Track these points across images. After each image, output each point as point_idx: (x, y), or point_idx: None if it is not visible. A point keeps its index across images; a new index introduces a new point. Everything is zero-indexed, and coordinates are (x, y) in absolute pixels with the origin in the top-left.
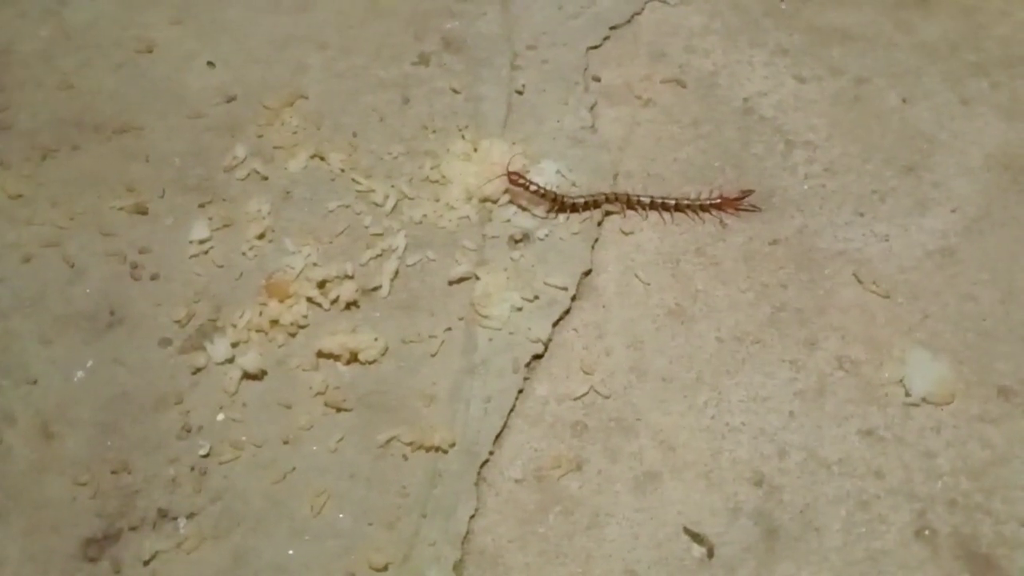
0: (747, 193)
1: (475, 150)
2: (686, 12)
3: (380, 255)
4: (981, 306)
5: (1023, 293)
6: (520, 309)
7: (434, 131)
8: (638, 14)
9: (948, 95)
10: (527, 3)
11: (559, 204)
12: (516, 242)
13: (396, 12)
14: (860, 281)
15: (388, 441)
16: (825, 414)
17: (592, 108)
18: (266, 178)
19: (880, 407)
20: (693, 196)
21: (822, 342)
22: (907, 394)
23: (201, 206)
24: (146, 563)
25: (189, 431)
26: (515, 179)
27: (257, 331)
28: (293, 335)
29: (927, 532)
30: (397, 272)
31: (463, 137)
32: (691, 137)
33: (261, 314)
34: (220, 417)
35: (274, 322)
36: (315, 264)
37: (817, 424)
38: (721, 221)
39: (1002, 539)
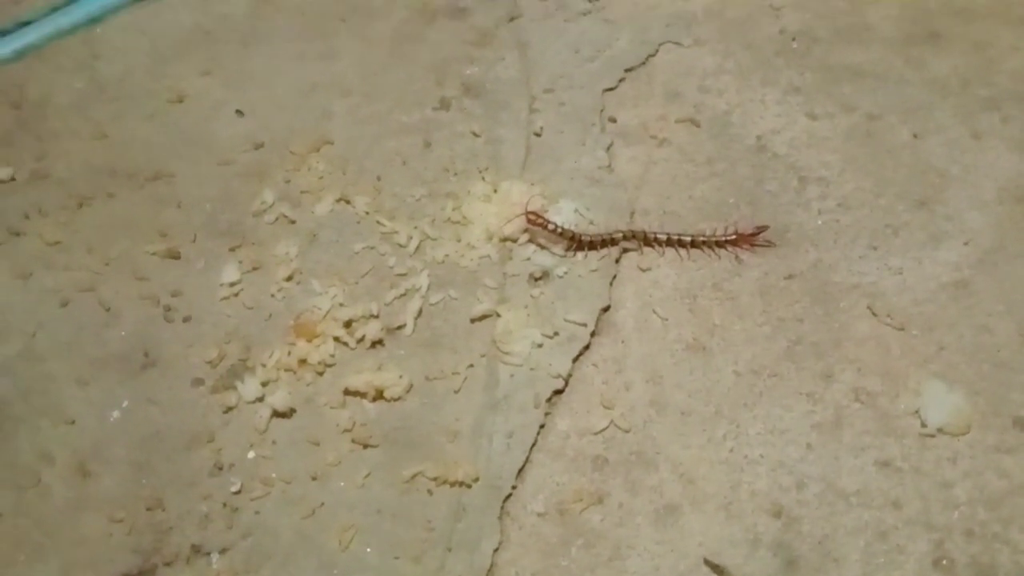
0: (762, 229)
1: (495, 191)
2: (699, 53)
3: (404, 294)
4: (996, 337)
5: None
6: (541, 345)
7: (455, 173)
8: (652, 56)
9: (960, 129)
10: (544, 47)
11: (577, 242)
12: (536, 280)
13: (417, 59)
14: (875, 314)
15: (413, 476)
16: (842, 445)
17: (609, 148)
18: (294, 222)
19: (897, 438)
20: (709, 233)
21: (838, 374)
22: (923, 425)
23: (231, 250)
24: None
25: (221, 468)
26: (534, 219)
27: (286, 370)
28: (321, 374)
29: (945, 562)
30: (421, 311)
31: (483, 179)
32: (706, 175)
33: (290, 354)
34: (251, 455)
35: (302, 361)
36: (341, 304)
37: (835, 455)
38: (737, 257)
39: (1020, 568)
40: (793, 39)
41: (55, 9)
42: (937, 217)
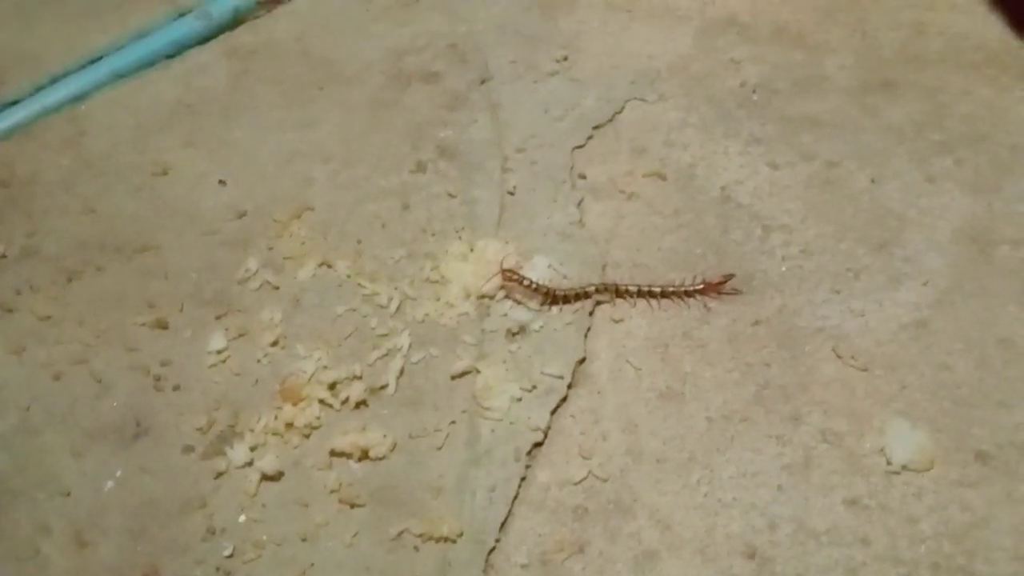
0: (728, 277)
1: (471, 250)
2: (664, 108)
3: (386, 354)
4: (956, 374)
5: (995, 360)
6: (520, 399)
7: (433, 234)
8: (619, 113)
9: (915, 174)
10: (515, 108)
11: (552, 297)
12: (513, 335)
13: (393, 124)
14: (839, 356)
15: (400, 534)
16: (812, 486)
17: (579, 204)
18: (277, 287)
19: (863, 476)
20: (678, 283)
21: (806, 416)
22: (888, 463)
23: (218, 318)
24: None
25: (213, 533)
26: (509, 276)
27: (273, 434)
28: (307, 436)
29: None
30: (402, 370)
31: (460, 238)
32: (673, 227)
33: (276, 418)
34: (242, 518)
35: (289, 425)
36: (325, 367)
37: (804, 496)
38: (705, 305)
39: None
40: (753, 91)
41: (40, 89)
42: (896, 259)
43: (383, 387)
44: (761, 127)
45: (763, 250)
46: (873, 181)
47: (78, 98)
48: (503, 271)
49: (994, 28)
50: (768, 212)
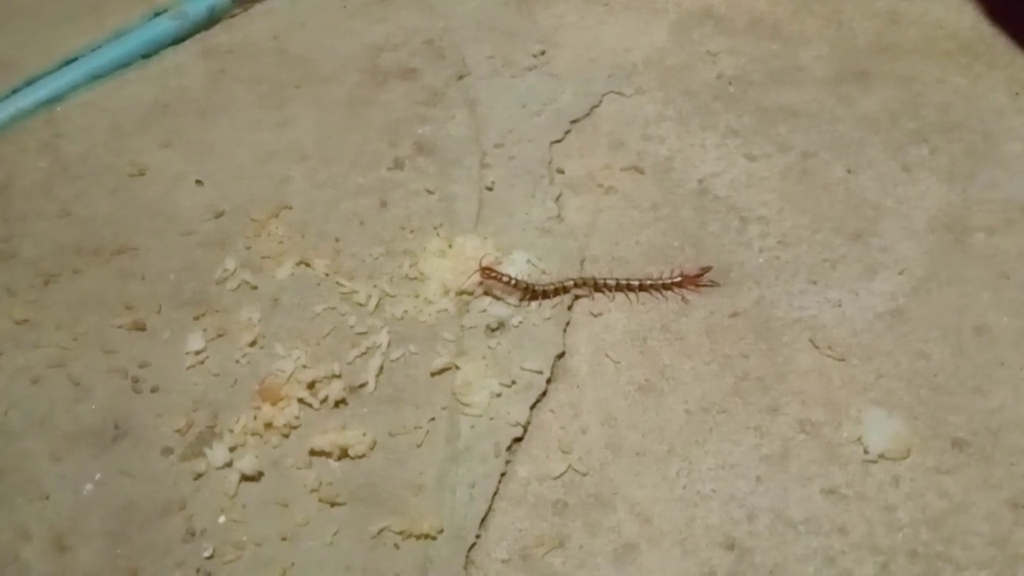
0: (706, 270)
1: (450, 246)
2: (641, 101)
3: (365, 352)
4: (932, 363)
5: (971, 348)
6: (499, 395)
7: (411, 231)
8: (596, 107)
9: (890, 163)
10: (492, 104)
11: (531, 292)
12: (492, 331)
13: (371, 122)
14: (816, 346)
15: (380, 532)
16: (790, 476)
17: (558, 199)
18: (256, 287)
19: (841, 466)
20: (656, 276)
21: (784, 407)
22: (865, 452)
23: (196, 318)
24: None
25: (193, 535)
26: (488, 273)
27: (253, 435)
28: (286, 436)
29: None
30: (382, 368)
31: (438, 235)
32: (651, 220)
33: (256, 418)
34: (221, 520)
35: (268, 425)
36: (304, 366)
37: (783, 487)
38: (683, 298)
39: None
40: (730, 83)
41: (15, 91)
42: (872, 249)
43: (362, 385)
44: (738, 119)
45: (740, 242)
46: (849, 171)
47: (54, 100)
48: (482, 268)
49: (967, 16)
50: (745, 204)
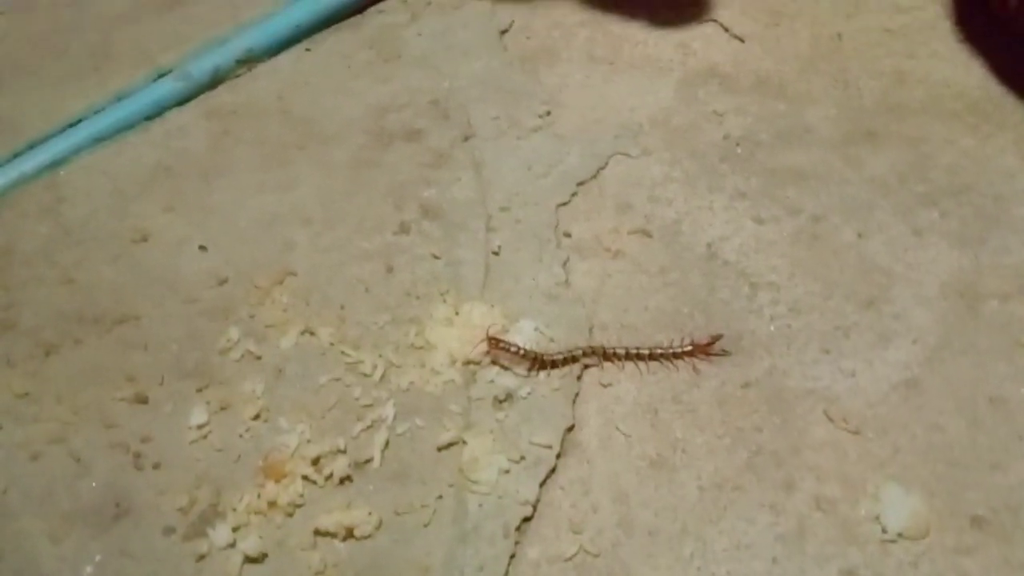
0: (716, 338)
1: (456, 314)
2: (648, 163)
3: (371, 426)
4: (948, 436)
5: (986, 419)
6: (508, 471)
7: (417, 297)
8: (603, 168)
9: (901, 227)
10: (498, 166)
11: (539, 362)
12: (500, 402)
13: (376, 184)
14: (830, 419)
15: None
16: (807, 557)
17: (565, 264)
18: (259, 357)
19: (859, 546)
20: (666, 345)
21: (799, 483)
22: (884, 531)
23: (199, 390)
24: None
25: None
26: (495, 343)
27: (256, 513)
28: (291, 515)
29: None
30: (388, 442)
31: (445, 301)
32: (659, 285)
33: (259, 496)
34: None
35: (272, 503)
36: (309, 441)
37: (800, 568)
38: (694, 367)
39: None
40: (737, 144)
41: (17, 155)
42: (885, 316)
43: (368, 461)
44: (745, 181)
45: (751, 309)
46: (859, 235)
47: (56, 163)
48: (489, 339)
49: (974, 75)
50: (755, 269)
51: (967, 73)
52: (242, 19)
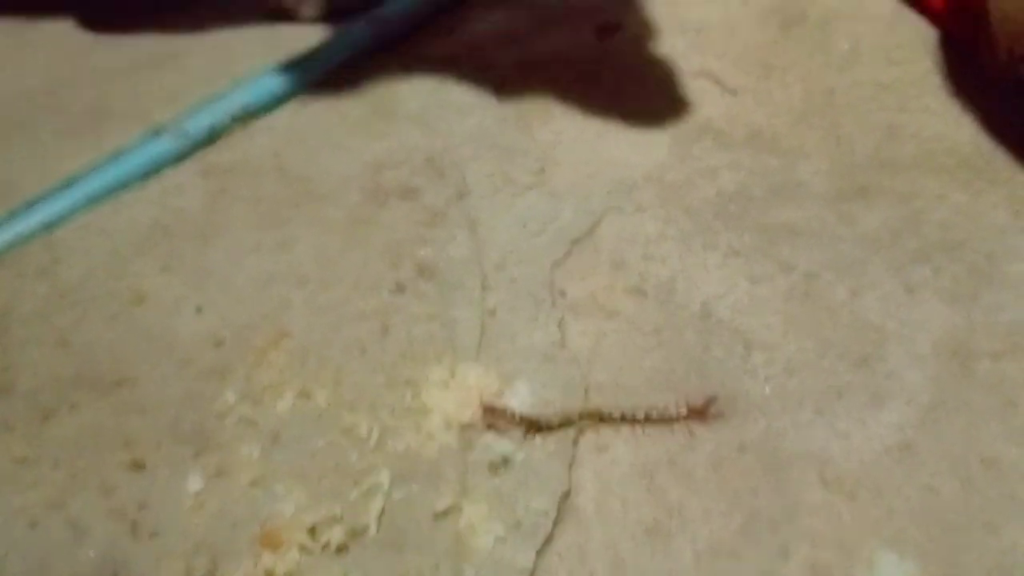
0: (711, 401)
1: (452, 376)
2: (642, 219)
3: (367, 492)
4: (942, 498)
5: (980, 480)
6: (504, 539)
7: (413, 359)
8: (597, 225)
9: (893, 284)
10: (493, 224)
11: (535, 427)
12: (496, 468)
13: (372, 242)
14: (825, 482)
15: None
16: None
17: (560, 323)
18: (255, 422)
19: None
20: (661, 407)
21: (794, 549)
22: None
23: (195, 455)
24: None
25: None
26: (491, 409)
27: None
28: None
29: None
30: (384, 509)
31: (440, 363)
32: (654, 345)
33: (256, 565)
34: None
35: (269, 573)
36: (305, 508)
37: None
38: (690, 430)
39: None
40: (730, 200)
41: (13, 214)
42: (878, 376)
43: (364, 529)
44: (739, 238)
45: (745, 369)
46: (852, 292)
47: (52, 224)
48: (484, 406)
49: (965, 130)
50: (749, 327)
51: (958, 128)
52: (238, 73)
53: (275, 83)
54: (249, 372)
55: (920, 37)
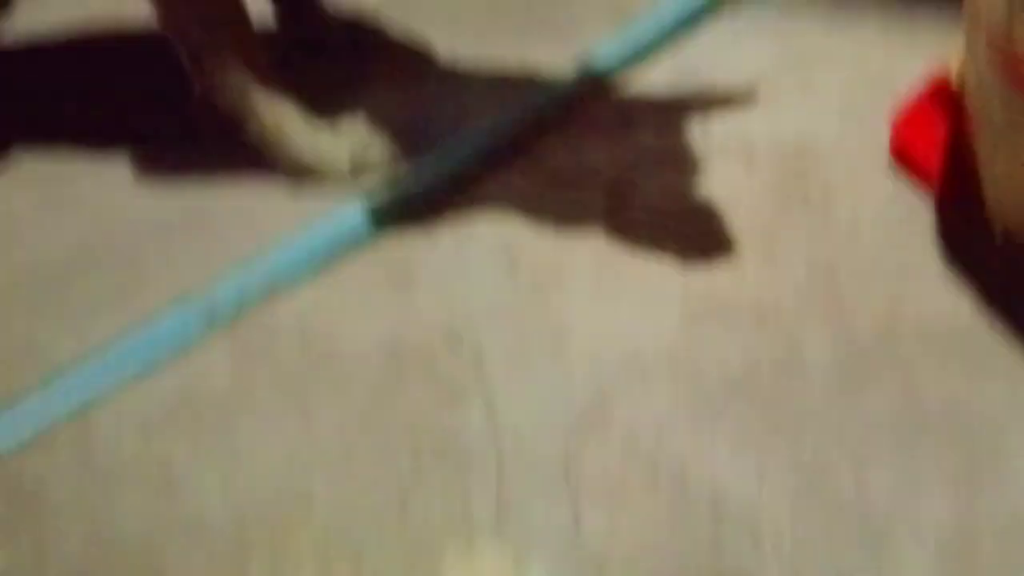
0: None
1: (468, 557)
2: (652, 400)
3: None
4: None
5: None
6: None
7: (430, 539)
8: (608, 403)
9: (897, 469)
10: (509, 400)
11: None
12: None
13: (392, 419)
14: None
15: None
16: None
17: (574, 504)
18: None
19: None
20: None
21: None
22: None
23: None
24: None
25: None
26: None
27: None
28: None
29: None
30: None
31: (457, 544)
32: (666, 534)
33: None
34: None
35: None
36: None
37: None
38: None
39: None
40: (738, 381)
41: (46, 386)
42: (884, 565)
43: None
44: (747, 423)
45: (756, 559)
46: (857, 478)
47: (83, 401)
48: None
49: (965, 306)
50: (758, 517)
51: (958, 304)
52: (264, 240)
53: (300, 253)
54: (273, 556)
55: (919, 212)
